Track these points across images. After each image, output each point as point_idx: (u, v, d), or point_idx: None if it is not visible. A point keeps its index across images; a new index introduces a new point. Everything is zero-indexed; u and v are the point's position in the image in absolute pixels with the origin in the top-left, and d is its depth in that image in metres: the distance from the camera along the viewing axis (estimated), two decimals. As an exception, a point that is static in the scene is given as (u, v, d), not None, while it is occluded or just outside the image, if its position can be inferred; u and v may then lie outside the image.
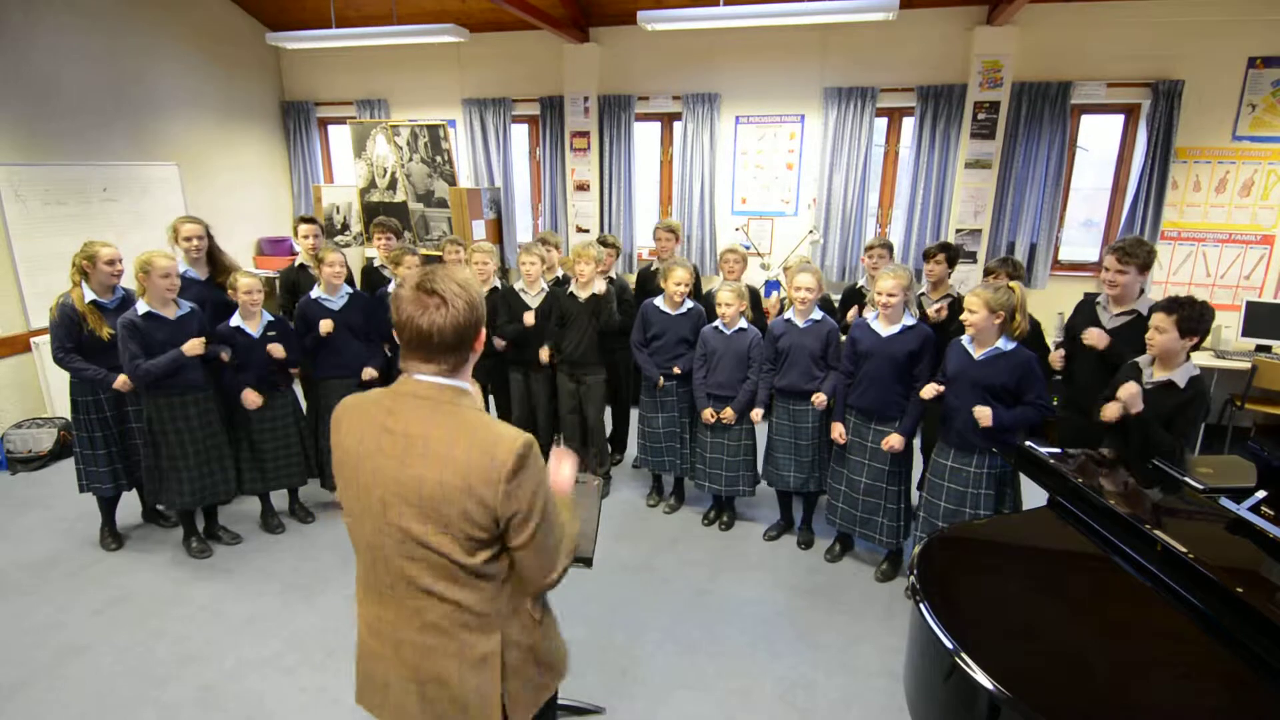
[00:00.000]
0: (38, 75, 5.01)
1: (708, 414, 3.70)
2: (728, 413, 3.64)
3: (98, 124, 5.41)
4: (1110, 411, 2.72)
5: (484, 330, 1.45)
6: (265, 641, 3.01)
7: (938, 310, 3.77)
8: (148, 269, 3.22)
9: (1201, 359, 4.48)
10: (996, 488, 3.00)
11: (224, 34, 6.44)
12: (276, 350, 3.57)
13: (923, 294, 3.91)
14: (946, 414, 3.07)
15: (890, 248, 4.14)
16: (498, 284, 4.18)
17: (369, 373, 3.88)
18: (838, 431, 3.40)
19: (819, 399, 3.47)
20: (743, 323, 3.67)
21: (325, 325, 3.71)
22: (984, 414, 2.88)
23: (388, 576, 1.48)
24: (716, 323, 3.70)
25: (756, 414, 3.64)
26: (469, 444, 1.36)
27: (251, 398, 3.56)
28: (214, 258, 3.91)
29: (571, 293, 4.02)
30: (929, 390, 3.06)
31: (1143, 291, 3.17)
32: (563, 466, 1.69)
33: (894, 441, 3.23)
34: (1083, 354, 3.20)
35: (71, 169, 5.20)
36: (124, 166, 5.56)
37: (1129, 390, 2.66)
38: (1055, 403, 3.45)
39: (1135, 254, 3.02)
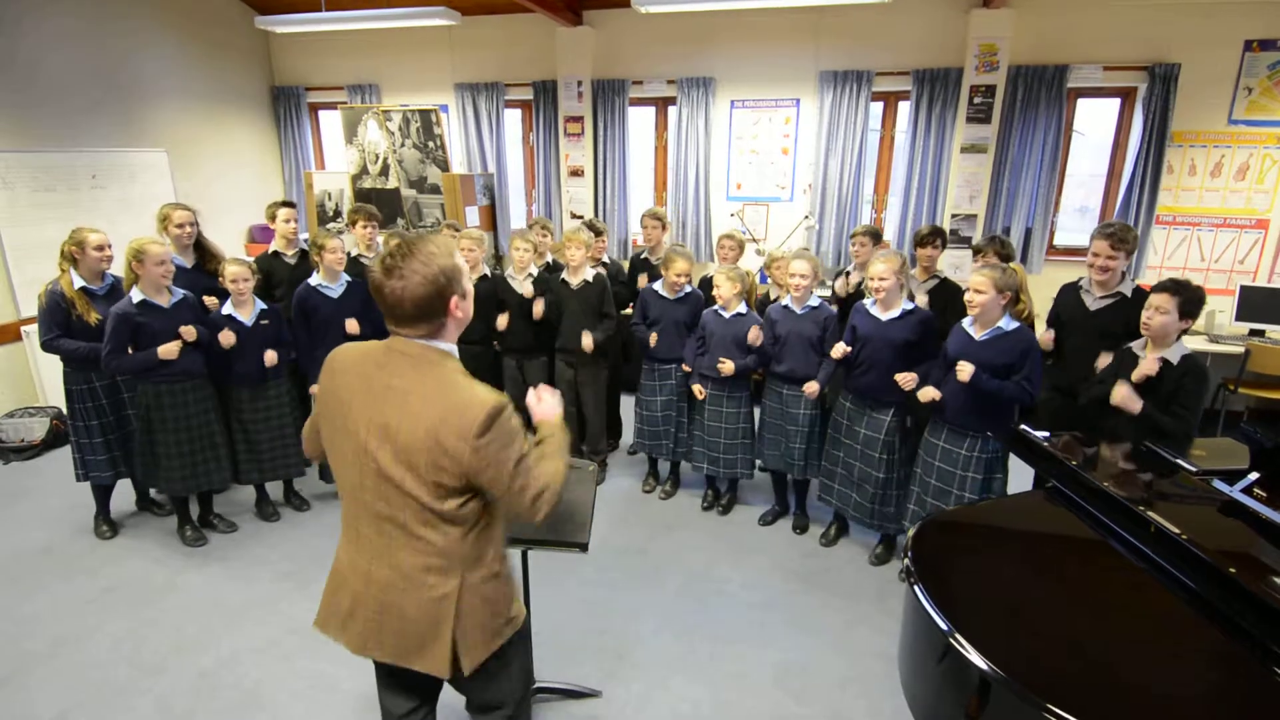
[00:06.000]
0: (25, 61, 4.94)
1: (698, 390, 3.70)
2: (727, 365, 3.58)
3: (86, 110, 5.35)
4: (1120, 395, 2.73)
5: (456, 298, 1.53)
6: (261, 629, 3.01)
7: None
8: (141, 256, 3.19)
9: (1195, 343, 4.48)
10: (985, 472, 3.00)
11: (213, 18, 6.35)
12: (226, 338, 3.44)
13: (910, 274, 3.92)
14: (943, 398, 3.06)
15: (875, 234, 4.13)
16: (487, 272, 4.14)
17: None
18: (840, 351, 3.31)
19: (811, 389, 3.46)
20: (742, 307, 3.66)
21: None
22: (965, 368, 2.87)
23: (365, 514, 1.59)
24: (715, 307, 3.69)
25: (754, 334, 3.55)
26: (445, 401, 1.48)
27: (271, 356, 3.56)
28: (201, 245, 3.87)
29: (564, 280, 4.00)
30: (925, 394, 3.05)
31: (1125, 275, 3.22)
32: (543, 399, 1.80)
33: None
34: (1071, 338, 3.23)
35: (60, 155, 5.14)
36: (112, 153, 5.50)
37: (1121, 394, 2.71)
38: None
39: (1126, 239, 3.09)
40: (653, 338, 3.88)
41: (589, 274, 3.99)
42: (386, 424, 1.50)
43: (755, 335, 3.56)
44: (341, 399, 1.58)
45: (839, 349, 3.29)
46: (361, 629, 1.64)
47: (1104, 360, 3.02)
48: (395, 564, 1.58)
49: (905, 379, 3.11)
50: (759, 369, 3.70)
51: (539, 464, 1.59)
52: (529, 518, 1.57)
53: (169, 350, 3.25)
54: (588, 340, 3.89)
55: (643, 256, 4.68)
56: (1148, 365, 2.71)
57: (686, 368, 3.84)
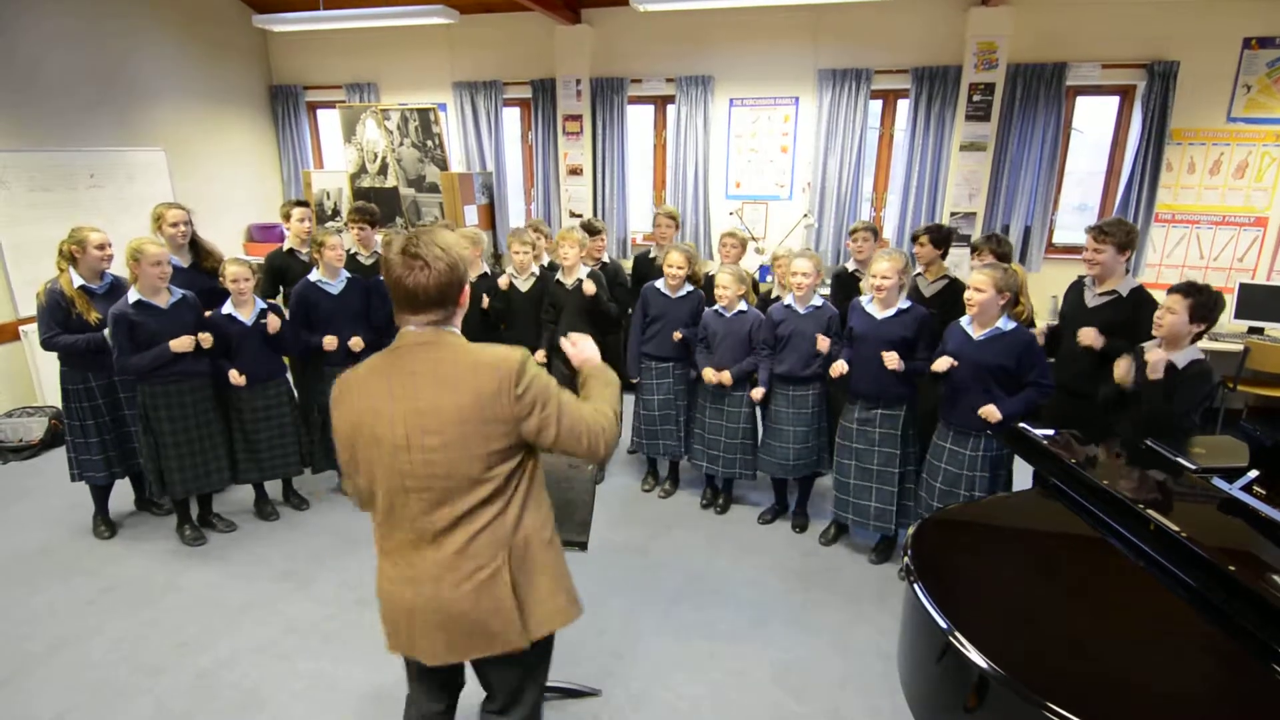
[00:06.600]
0: (22, 60, 4.92)
1: (709, 373, 3.63)
2: (725, 375, 3.58)
3: (83, 109, 5.33)
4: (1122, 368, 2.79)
5: (467, 288, 1.62)
6: (261, 629, 3.00)
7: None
8: (138, 256, 3.18)
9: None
10: (991, 470, 3.01)
11: (210, 16, 6.34)
12: (274, 323, 3.51)
13: (919, 274, 3.90)
14: (947, 397, 3.06)
15: (875, 231, 4.11)
16: (486, 270, 4.14)
17: (356, 342, 3.74)
18: (838, 369, 3.29)
19: (823, 341, 3.39)
20: (743, 305, 3.65)
21: (329, 341, 3.69)
22: (990, 412, 2.88)
23: (410, 518, 1.59)
24: (716, 306, 3.69)
25: (758, 393, 3.59)
26: (473, 366, 1.53)
27: (235, 377, 3.47)
28: (196, 244, 3.86)
29: (559, 280, 4.00)
30: (941, 364, 2.99)
31: (1128, 272, 3.19)
32: (578, 344, 1.87)
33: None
34: (1070, 336, 3.22)
35: (57, 155, 5.13)
36: (110, 152, 5.49)
37: (1154, 354, 2.69)
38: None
39: (1112, 232, 3.05)
40: (676, 334, 3.85)
41: (583, 273, 3.98)
42: (420, 408, 1.52)
43: (758, 394, 3.58)
44: (361, 414, 1.57)
45: (837, 368, 3.27)
46: (429, 641, 1.64)
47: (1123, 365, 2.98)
48: (445, 559, 1.58)
49: (891, 357, 3.10)
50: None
51: (584, 405, 1.65)
52: (593, 451, 1.61)
53: (181, 344, 3.24)
54: (590, 286, 3.85)
55: (650, 255, 4.67)
56: (1152, 366, 2.69)
57: (677, 335, 3.79)
